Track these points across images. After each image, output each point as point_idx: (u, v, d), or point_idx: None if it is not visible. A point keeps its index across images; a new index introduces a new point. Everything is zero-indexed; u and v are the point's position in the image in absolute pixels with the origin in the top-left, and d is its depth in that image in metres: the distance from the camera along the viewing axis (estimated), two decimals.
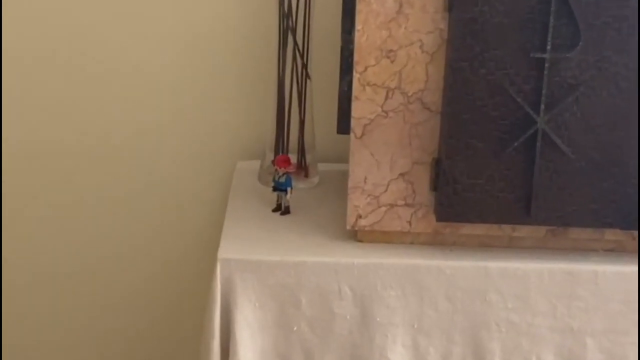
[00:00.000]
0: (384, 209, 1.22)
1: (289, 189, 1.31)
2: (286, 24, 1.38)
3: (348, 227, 1.23)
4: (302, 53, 1.40)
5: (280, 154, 1.39)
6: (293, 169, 1.34)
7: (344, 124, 1.32)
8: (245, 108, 1.54)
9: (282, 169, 1.32)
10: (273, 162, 1.44)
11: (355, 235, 1.26)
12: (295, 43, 1.39)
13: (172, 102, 1.53)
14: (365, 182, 1.21)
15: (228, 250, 1.22)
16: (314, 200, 1.39)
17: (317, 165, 1.46)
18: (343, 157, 1.40)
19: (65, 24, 1.48)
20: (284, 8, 1.38)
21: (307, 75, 1.41)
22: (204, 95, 1.53)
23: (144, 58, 1.50)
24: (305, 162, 1.44)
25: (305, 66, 1.41)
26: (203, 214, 1.59)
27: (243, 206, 1.36)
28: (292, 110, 1.42)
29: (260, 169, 1.46)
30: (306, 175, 1.44)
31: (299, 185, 1.43)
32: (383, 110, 1.19)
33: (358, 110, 1.19)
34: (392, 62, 1.17)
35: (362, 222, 1.23)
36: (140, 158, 1.55)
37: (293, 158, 1.42)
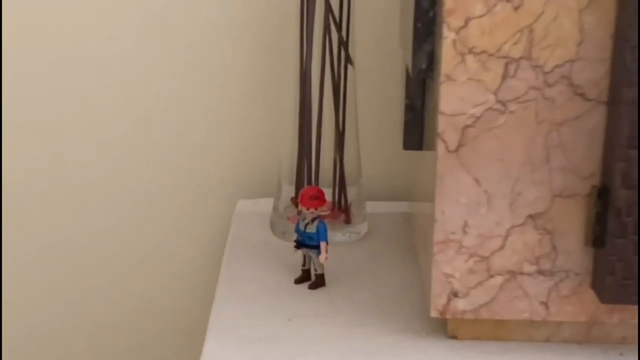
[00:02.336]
0: (499, 279, 0.67)
1: (322, 245, 0.77)
2: None
3: (433, 314, 0.69)
4: (339, 24, 0.87)
5: (306, 185, 0.85)
6: (328, 210, 0.80)
7: (414, 133, 0.78)
8: (248, 115, 1.01)
9: (312, 210, 0.78)
10: (294, 199, 0.89)
11: (446, 328, 0.72)
12: (329, 8, 0.85)
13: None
14: (464, 231, 0.67)
15: None
16: (363, 264, 0.85)
17: (364, 205, 0.91)
18: (411, 191, 0.86)
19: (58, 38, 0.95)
20: None
21: (349, 60, 0.87)
22: (181, 96, 1.00)
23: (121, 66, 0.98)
24: (345, 201, 0.90)
25: (345, 45, 0.87)
26: (183, 285, 1.05)
27: (245, 275, 0.82)
28: (324, 118, 0.88)
29: (273, 213, 0.91)
30: (347, 221, 0.90)
31: (336, 237, 0.89)
32: (498, 100, 0.65)
33: (451, 101, 0.65)
34: (515, 9, 0.63)
35: (460, 305, 0.68)
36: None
37: (327, 194, 0.88)
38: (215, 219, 1.02)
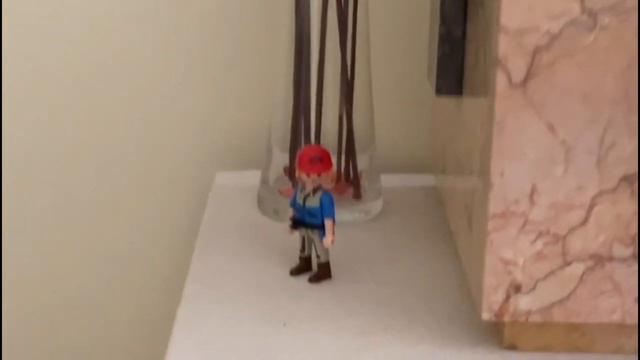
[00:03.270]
0: (579, 268, 0.48)
1: (328, 223, 0.58)
2: None
3: (485, 316, 0.49)
4: None
5: (304, 145, 0.65)
6: (332, 182, 0.61)
7: (452, 72, 0.58)
8: (230, 63, 0.81)
9: (313, 177, 0.58)
10: (288, 169, 0.70)
11: (501, 335, 0.52)
12: None
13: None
14: (532, 200, 0.47)
15: None
16: (378, 251, 0.65)
17: (378, 177, 0.72)
18: (442, 157, 0.67)
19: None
20: None
21: None
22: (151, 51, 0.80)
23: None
24: (355, 171, 0.70)
25: None
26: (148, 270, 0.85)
27: (223, 266, 0.62)
28: (326, 59, 0.68)
29: (261, 186, 0.72)
30: (357, 196, 0.70)
31: (342, 216, 0.69)
32: (585, 10, 0.45)
33: (516, 11, 0.45)
34: None
35: (524, 304, 0.49)
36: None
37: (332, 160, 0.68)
38: (190, 197, 0.82)
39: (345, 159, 0.70)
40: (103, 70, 0.80)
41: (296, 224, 0.59)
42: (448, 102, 0.65)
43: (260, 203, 0.71)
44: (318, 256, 0.59)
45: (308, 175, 0.58)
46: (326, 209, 0.58)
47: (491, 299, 0.49)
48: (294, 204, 0.60)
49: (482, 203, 0.49)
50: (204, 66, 0.80)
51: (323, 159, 0.58)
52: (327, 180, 0.58)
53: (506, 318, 0.49)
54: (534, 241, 0.48)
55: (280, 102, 0.70)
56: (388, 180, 0.77)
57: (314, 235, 0.59)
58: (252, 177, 0.77)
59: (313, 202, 0.58)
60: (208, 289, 0.58)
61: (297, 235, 0.66)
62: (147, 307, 0.85)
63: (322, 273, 0.60)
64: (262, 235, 0.66)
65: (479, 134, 0.51)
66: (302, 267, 0.60)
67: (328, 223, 0.58)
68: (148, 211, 0.83)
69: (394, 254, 0.64)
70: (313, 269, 0.61)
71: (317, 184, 0.58)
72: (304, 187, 0.59)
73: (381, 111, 0.81)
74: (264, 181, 0.71)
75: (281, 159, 0.71)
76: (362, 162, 0.71)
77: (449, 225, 0.68)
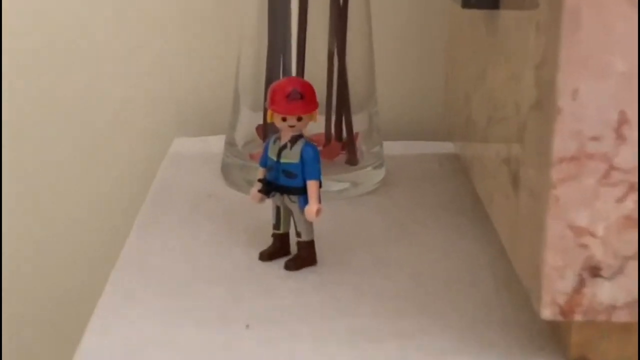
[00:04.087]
0: None
1: (312, 186, 0.41)
2: None
3: (545, 314, 0.32)
4: None
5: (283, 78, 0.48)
6: (321, 141, 0.44)
7: None
8: (187, 5, 0.64)
9: (290, 120, 0.41)
10: (261, 128, 0.54)
11: (567, 342, 0.35)
12: None
13: None
14: (619, 134, 0.31)
15: None
16: (379, 230, 0.48)
17: (379, 140, 0.55)
18: (466, 109, 0.50)
19: None
20: None
21: None
22: None
23: None
24: (349, 130, 0.53)
25: None
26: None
27: (169, 248, 0.45)
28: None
29: (226, 150, 0.55)
30: (352, 162, 0.53)
31: (333, 187, 0.53)
32: None
33: None
34: None
35: (605, 294, 0.32)
36: None
37: (320, 118, 0.51)
38: (144, 169, 0.65)
39: (336, 115, 0.54)
40: (51, 27, 0.63)
41: (268, 188, 0.43)
42: (473, 31, 0.48)
43: (225, 171, 0.54)
44: (298, 233, 0.43)
45: (284, 118, 0.41)
46: (309, 165, 0.41)
47: (555, 288, 0.32)
48: (265, 162, 0.43)
49: (540, 144, 0.33)
50: (156, 13, 0.63)
51: (305, 96, 0.41)
52: (305, 125, 0.42)
53: (577, 316, 0.33)
54: (622, 199, 0.32)
55: (250, 39, 0.54)
56: (391, 148, 0.61)
57: (292, 203, 0.42)
58: (218, 143, 0.60)
59: (291, 157, 0.42)
60: (141, 278, 0.41)
61: (268, 204, 0.48)
62: (72, 289, 0.68)
63: (304, 257, 0.43)
64: (225, 209, 0.50)
65: (531, 47, 0.35)
66: (277, 248, 0.44)
67: (312, 186, 0.41)
68: (93, 185, 0.66)
69: (400, 233, 0.47)
70: (291, 252, 0.44)
71: (296, 131, 0.42)
72: (278, 137, 0.42)
73: (384, 56, 0.64)
74: (230, 144, 0.55)
75: (252, 119, 0.54)
76: (359, 122, 0.54)
77: (475, 195, 0.52)
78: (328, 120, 0.53)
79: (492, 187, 0.42)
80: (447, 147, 0.60)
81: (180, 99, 0.65)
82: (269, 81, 0.53)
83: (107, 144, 0.65)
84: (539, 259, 0.33)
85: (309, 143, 0.42)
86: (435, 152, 0.60)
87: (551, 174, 0.32)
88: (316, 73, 0.53)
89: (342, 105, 0.53)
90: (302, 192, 0.42)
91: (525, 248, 0.35)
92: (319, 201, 0.41)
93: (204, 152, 0.58)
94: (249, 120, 0.55)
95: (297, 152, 0.42)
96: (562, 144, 0.31)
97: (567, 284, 0.32)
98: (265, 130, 0.54)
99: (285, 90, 0.41)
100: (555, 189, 0.32)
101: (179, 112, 0.64)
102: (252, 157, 0.53)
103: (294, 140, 0.42)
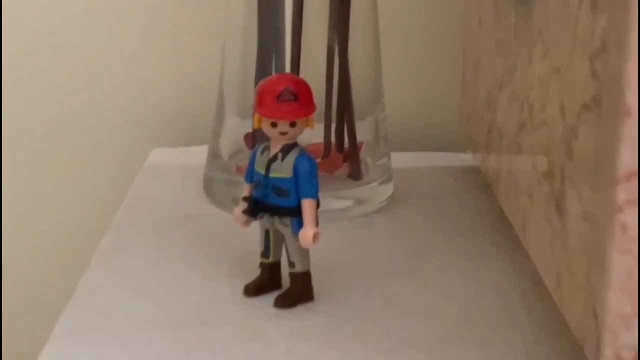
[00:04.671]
0: None
1: (308, 206, 0.34)
2: None
3: (606, 357, 0.25)
4: None
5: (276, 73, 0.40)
6: (319, 152, 0.36)
7: None
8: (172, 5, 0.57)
9: (282, 126, 0.34)
10: (250, 137, 0.46)
11: None
12: None
13: None
14: None
15: None
16: (388, 255, 0.41)
17: (387, 152, 0.48)
18: (489, 114, 0.43)
19: None
20: None
21: None
22: None
23: None
24: (352, 138, 0.46)
25: None
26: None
27: (129, 278, 0.38)
28: None
29: (209, 162, 0.48)
30: (355, 177, 0.46)
31: (334, 204, 0.45)
32: None
33: None
34: None
35: None
36: None
37: (318, 125, 0.43)
38: (114, 179, 0.58)
39: (337, 119, 0.46)
40: (25, 31, 0.56)
41: (255, 208, 0.35)
42: (497, 22, 0.41)
43: (208, 186, 0.47)
44: (291, 263, 0.35)
45: (274, 124, 0.34)
46: (304, 181, 0.34)
47: (620, 341, 0.25)
48: (251, 177, 0.36)
49: (599, 155, 0.26)
50: (134, 12, 0.56)
51: (299, 96, 0.34)
52: (300, 131, 0.35)
53: None
54: None
55: (237, 34, 0.46)
56: (400, 159, 0.53)
57: (284, 227, 0.35)
58: (201, 154, 0.53)
59: (282, 171, 0.34)
60: (95, 321, 0.34)
61: (255, 227, 0.41)
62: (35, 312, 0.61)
63: (298, 291, 0.36)
64: (204, 232, 0.42)
65: (583, 32, 0.27)
66: (265, 281, 0.36)
67: (307, 205, 0.34)
68: (63, 201, 0.59)
69: (412, 262, 0.40)
70: (283, 285, 0.37)
71: (289, 139, 0.35)
72: (267, 147, 0.35)
73: (391, 55, 0.57)
74: (214, 155, 0.48)
75: (238, 126, 0.47)
76: (363, 129, 0.47)
77: (501, 216, 0.45)
78: (327, 127, 0.46)
79: (527, 208, 0.35)
80: (464, 158, 0.53)
81: (158, 105, 0.57)
82: (259, 79, 0.46)
83: (74, 158, 0.58)
84: (598, 303, 0.25)
85: (304, 154, 0.35)
86: (451, 164, 0.52)
87: (616, 195, 0.24)
88: (314, 73, 0.45)
89: (344, 111, 0.46)
90: (296, 213, 0.34)
91: (577, 288, 0.28)
92: (316, 224, 0.34)
93: (185, 164, 0.51)
94: (236, 127, 0.47)
95: (289, 165, 0.34)
96: (631, 155, 0.24)
97: (636, 336, 0.25)
98: (255, 140, 0.46)
99: (275, 89, 0.34)
100: (621, 213, 0.24)
101: (156, 119, 0.57)
102: (238, 170, 0.46)
103: (286, 150, 0.35)
